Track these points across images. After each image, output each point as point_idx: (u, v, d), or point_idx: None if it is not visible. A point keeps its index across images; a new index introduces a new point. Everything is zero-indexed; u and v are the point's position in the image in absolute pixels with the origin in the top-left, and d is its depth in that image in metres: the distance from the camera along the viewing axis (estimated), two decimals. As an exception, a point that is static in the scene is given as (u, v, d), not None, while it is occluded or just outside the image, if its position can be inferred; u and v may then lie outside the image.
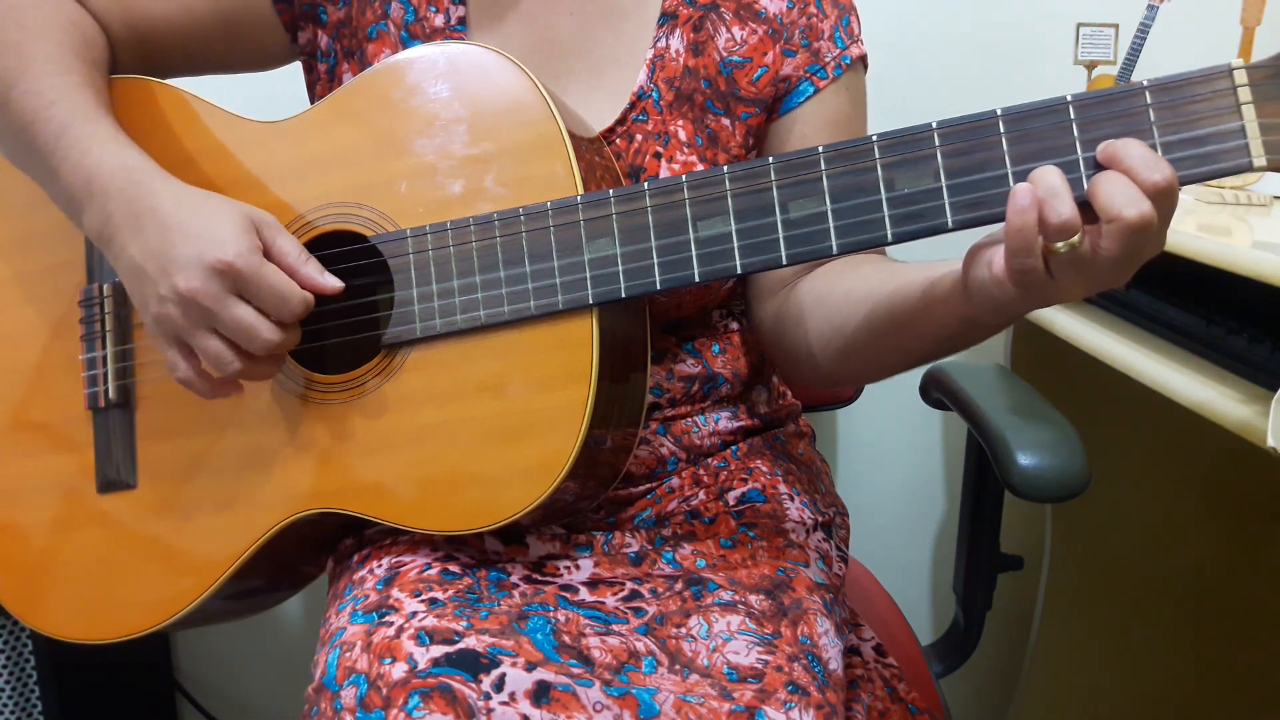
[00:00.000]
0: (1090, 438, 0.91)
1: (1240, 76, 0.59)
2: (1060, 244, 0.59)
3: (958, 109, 0.67)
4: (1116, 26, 1.36)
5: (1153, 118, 0.61)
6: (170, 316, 0.74)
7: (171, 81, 0.87)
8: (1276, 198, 1.18)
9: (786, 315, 0.87)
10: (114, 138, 0.78)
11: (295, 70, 0.94)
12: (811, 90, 0.87)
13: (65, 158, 0.77)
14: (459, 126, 0.77)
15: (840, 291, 0.81)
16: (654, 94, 0.85)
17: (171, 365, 0.77)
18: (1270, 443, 0.73)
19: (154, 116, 0.85)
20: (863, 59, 0.90)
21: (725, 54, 0.86)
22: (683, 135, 0.85)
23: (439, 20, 0.86)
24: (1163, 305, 1.08)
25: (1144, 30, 1.34)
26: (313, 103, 0.93)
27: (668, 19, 0.86)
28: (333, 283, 0.76)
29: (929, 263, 0.73)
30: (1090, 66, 1.37)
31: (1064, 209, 0.59)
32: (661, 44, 0.86)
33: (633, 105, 0.85)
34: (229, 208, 0.75)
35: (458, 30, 0.86)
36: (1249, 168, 0.60)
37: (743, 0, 0.87)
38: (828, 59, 0.87)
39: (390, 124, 0.78)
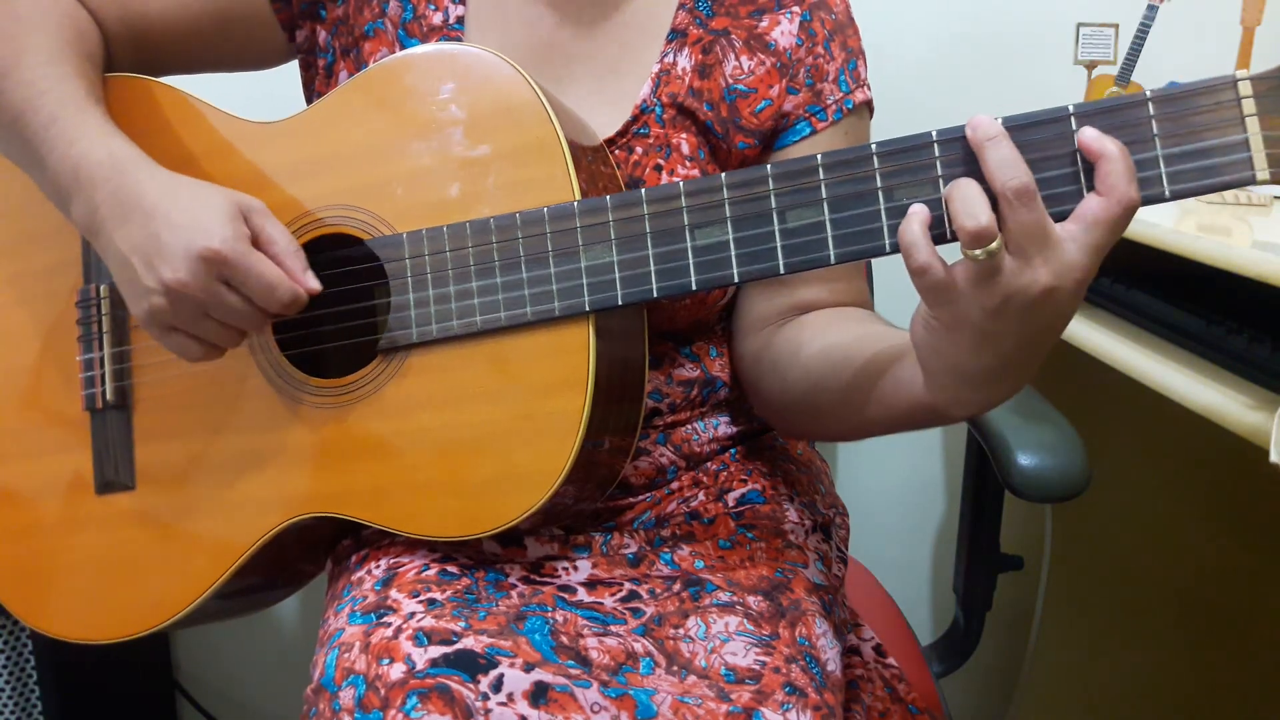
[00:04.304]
0: (1090, 438, 0.91)
1: (1245, 88, 0.58)
2: (978, 251, 0.58)
3: (957, 109, 0.66)
4: (1116, 26, 1.36)
5: (1155, 129, 0.60)
6: (161, 308, 0.74)
7: (169, 81, 0.86)
8: (1276, 198, 1.18)
9: (764, 359, 0.86)
10: (102, 128, 0.78)
11: (294, 70, 0.94)
12: (808, 131, 0.86)
13: (53, 148, 0.77)
14: (456, 129, 0.76)
15: (817, 348, 0.80)
16: (656, 108, 0.84)
17: (181, 351, 0.77)
18: (1273, 458, 0.73)
19: (151, 116, 0.85)
20: (867, 104, 0.89)
21: (731, 81, 0.85)
22: (685, 148, 0.84)
23: (437, 19, 0.85)
24: (1163, 305, 1.08)
25: (1144, 30, 1.34)
26: (309, 101, 0.92)
27: (677, 36, 0.85)
28: (311, 284, 0.76)
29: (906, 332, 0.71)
30: (1090, 66, 1.37)
31: (981, 215, 0.57)
32: (669, 59, 0.85)
33: (635, 118, 0.84)
34: (216, 195, 0.75)
35: (456, 29, 0.85)
36: (1252, 181, 0.59)
37: (754, 30, 0.86)
38: (829, 101, 0.86)
39: (387, 125, 0.78)
